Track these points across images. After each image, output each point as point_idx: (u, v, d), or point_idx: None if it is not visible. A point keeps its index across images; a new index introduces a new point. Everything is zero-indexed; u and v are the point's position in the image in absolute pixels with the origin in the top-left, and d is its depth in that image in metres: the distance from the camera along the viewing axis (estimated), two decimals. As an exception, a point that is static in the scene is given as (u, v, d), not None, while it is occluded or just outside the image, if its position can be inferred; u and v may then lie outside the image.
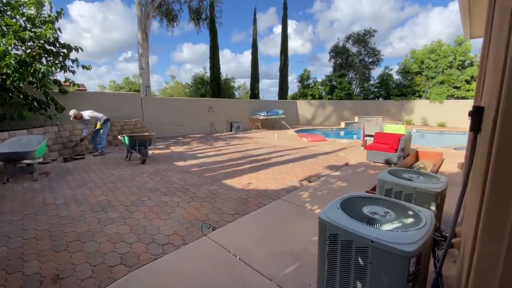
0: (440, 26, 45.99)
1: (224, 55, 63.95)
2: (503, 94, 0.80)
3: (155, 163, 5.95)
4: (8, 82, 5.88)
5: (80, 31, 63.95)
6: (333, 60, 21.98)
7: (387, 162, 5.93)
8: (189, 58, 67.69)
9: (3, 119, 5.84)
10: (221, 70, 17.44)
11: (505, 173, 0.79)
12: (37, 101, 6.57)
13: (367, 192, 3.56)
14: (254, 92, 19.09)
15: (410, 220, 1.57)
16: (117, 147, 8.27)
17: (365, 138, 8.07)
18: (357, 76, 21.09)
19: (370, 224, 1.51)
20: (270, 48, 59.21)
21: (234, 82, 22.34)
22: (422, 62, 17.84)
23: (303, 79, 21.16)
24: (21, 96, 6.34)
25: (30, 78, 6.19)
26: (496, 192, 0.82)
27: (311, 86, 21.01)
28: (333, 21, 54.96)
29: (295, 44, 61.41)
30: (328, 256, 1.58)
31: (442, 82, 17.01)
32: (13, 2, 5.89)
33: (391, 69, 19.88)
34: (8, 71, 5.75)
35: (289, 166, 5.76)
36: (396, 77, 19.85)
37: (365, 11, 48.97)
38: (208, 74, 18.56)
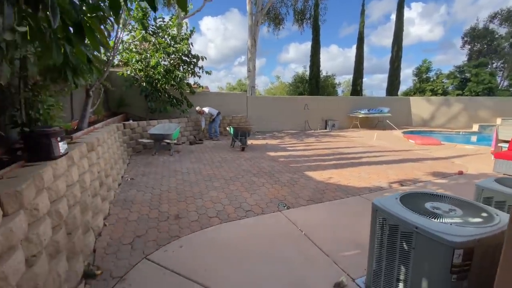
0: None
1: (331, 51, 62.02)
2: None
3: (252, 151, 6.91)
4: (158, 85, 8.28)
5: (207, 42, 77.56)
6: (467, 47, 17.56)
7: (527, 176, 4.53)
8: (294, 58, 69.60)
9: (155, 111, 8.33)
10: (322, 68, 17.42)
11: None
12: (176, 99, 8.89)
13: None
14: (356, 88, 17.86)
15: (477, 219, 1.46)
16: (226, 136, 9.96)
17: (499, 144, 6.31)
18: (505, 66, 15.99)
19: (428, 217, 1.51)
20: (385, 38, 52.46)
21: (334, 79, 21.60)
22: None
23: (421, 71, 17.97)
24: (166, 95, 8.74)
25: (172, 82, 8.44)
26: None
27: (431, 79, 17.57)
28: (478, -5, 42.79)
29: (419, 31, 51.82)
30: (377, 238, 1.69)
31: None
32: (163, 25, 8.18)
33: None
34: (159, 77, 8.08)
35: (381, 167, 5.38)
36: None
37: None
38: (307, 72, 18.83)
